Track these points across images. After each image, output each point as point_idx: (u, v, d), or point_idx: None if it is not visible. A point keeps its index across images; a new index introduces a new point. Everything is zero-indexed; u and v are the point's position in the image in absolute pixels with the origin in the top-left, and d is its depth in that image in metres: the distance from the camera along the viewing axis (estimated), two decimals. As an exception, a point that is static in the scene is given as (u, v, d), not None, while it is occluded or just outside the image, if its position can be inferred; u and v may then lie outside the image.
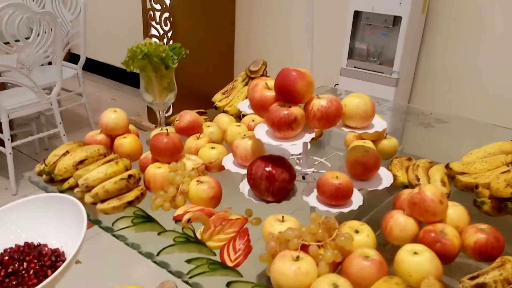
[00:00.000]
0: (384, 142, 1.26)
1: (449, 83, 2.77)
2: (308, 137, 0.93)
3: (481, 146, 1.22)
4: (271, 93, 0.96)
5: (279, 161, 0.95)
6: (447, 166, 1.15)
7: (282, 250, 0.83)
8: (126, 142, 1.21)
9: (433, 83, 2.83)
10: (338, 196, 0.93)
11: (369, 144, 1.23)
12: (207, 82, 3.44)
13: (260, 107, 0.97)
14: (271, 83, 0.98)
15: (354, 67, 2.71)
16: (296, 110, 0.91)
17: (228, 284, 0.81)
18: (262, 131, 0.97)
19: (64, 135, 3.01)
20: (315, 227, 0.82)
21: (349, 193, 0.94)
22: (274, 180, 0.92)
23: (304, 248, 0.81)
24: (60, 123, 2.97)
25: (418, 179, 1.12)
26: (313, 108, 0.93)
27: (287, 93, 0.92)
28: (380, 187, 1.02)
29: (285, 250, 0.82)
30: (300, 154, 1.17)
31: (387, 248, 0.92)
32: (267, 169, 0.93)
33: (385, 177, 1.06)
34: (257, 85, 0.98)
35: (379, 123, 1.00)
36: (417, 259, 0.80)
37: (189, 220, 0.88)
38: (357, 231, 0.87)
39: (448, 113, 1.90)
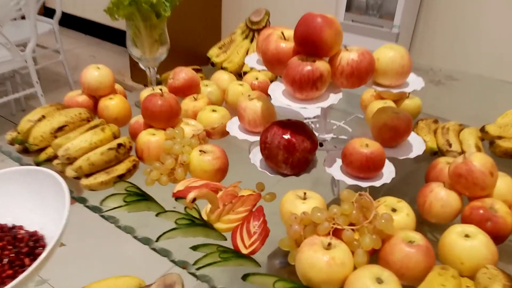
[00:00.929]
0: (407, 103, 1.12)
1: (450, 38, 2.61)
2: (334, 98, 0.78)
3: (497, 104, 1.09)
4: (288, 45, 0.80)
5: (299, 127, 0.79)
6: (482, 130, 1.01)
7: (308, 235, 0.69)
8: (112, 104, 1.04)
9: (433, 39, 2.67)
10: (369, 168, 0.79)
11: (390, 104, 1.08)
12: (196, 36, 3.22)
13: (275, 62, 0.80)
14: (288, 32, 0.81)
15: (352, 20, 2.52)
16: (322, 65, 0.75)
17: (245, 277, 0.67)
18: (277, 92, 0.81)
19: (41, 95, 2.79)
20: (348, 207, 0.68)
21: (381, 164, 0.80)
22: (294, 150, 0.77)
23: (336, 233, 0.67)
24: (37, 82, 2.75)
25: (450, 145, 0.98)
26: (341, 62, 0.77)
27: (311, 44, 0.75)
28: (412, 155, 0.88)
29: (313, 235, 0.68)
30: (315, 117, 1.01)
31: (423, 227, 0.79)
32: (285, 137, 0.77)
33: (415, 143, 0.92)
34: (271, 35, 0.81)
35: (415, 81, 0.84)
36: (470, 244, 0.67)
37: (194, 200, 0.73)
38: (393, 210, 0.74)
39: (454, 68, 1.76)
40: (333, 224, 0.67)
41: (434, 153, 1.00)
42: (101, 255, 1.76)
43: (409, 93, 1.12)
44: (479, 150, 0.97)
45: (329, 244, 0.66)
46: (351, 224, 0.68)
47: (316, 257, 0.63)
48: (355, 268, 0.65)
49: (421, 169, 0.99)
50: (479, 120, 1.09)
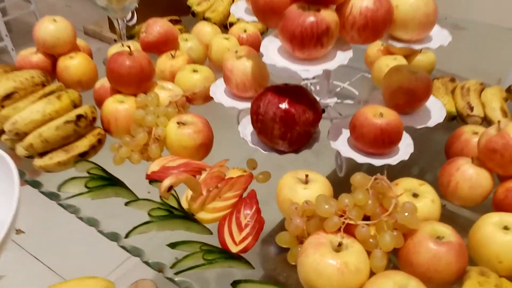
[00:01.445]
0: (420, 58, 0.96)
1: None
2: (343, 57, 0.63)
3: None
4: (285, -11, 0.63)
5: (299, 94, 0.64)
6: (509, 90, 0.87)
7: (313, 230, 0.56)
8: (74, 65, 0.87)
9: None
10: (383, 142, 0.65)
11: (401, 60, 0.93)
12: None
13: (268, 11, 0.64)
14: (284, -27, 0.64)
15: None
16: (328, 16, 0.59)
17: (235, 284, 0.54)
18: (271, 49, 0.65)
19: (12, 49, 2.58)
20: (363, 196, 0.55)
21: (398, 137, 0.66)
22: (294, 123, 0.62)
23: (347, 229, 0.54)
24: (7, 35, 2.53)
25: (471, 108, 0.84)
26: (352, 12, 0.61)
27: (314, -13, 0.59)
28: (431, 124, 0.74)
29: (319, 231, 0.55)
30: (314, 78, 0.86)
31: (444, 211, 0.66)
32: (282, 106, 0.62)
33: (433, 108, 0.78)
34: (263, -23, 0.64)
35: (440, 34, 0.69)
36: (510, 239, 0.55)
37: (170, 188, 0.59)
38: (415, 195, 0.61)
39: (460, 16, 1.59)
40: (345, 218, 0.54)
41: (452, 118, 0.86)
42: (61, 251, 1.51)
43: (421, 47, 0.96)
44: (505, 115, 0.83)
45: (340, 244, 0.52)
46: (365, 218, 0.55)
47: (324, 262, 0.50)
48: (371, 273, 0.52)
49: (438, 139, 0.85)
50: (498, 77, 0.95)
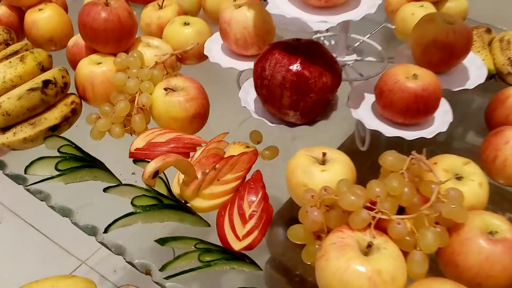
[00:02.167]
0: (450, 5, 0.82)
1: None
2: (370, 3, 0.49)
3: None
4: None
5: (314, 52, 0.52)
6: (558, 43, 0.73)
7: (334, 224, 0.45)
8: (43, 18, 0.74)
9: None
10: (418, 111, 0.53)
11: (429, 8, 0.78)
12: None
13: None
14: None
15: None
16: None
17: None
18: (279, -5, 0.52)
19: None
20: (398, 184, 0.43)
21: (436, 104, 0.54)
22: (308, 90, 0.50)
23: (379, 224, 0.43)
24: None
25: (513, 65, 0.71)
26: None
27: None
28: (470, 85, 0.62)
29: (342, 227, 0.44)
30: (328, 30, 0.73)
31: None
32: (294, 68, 0.50)
33: (471, 66, 0.65)
34: None
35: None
36: None
37: (156, 173, 0.47)
38: (458, 177, 0.49)
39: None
40: (376, 212, 0.42)
41: (490, 77, 0.73)
42: (34, 244, 1.36)
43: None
44: (553, 71, 0.70)
45: (370, 245, 0.42)
46: (401, 211, 0.44)
47: (352, 270, 0.40)
48: (408, 281, 0.42)
49: (474, 103, 0.73)
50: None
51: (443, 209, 0.43)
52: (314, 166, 0.49)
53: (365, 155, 0.63)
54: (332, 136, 0.63)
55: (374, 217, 0.42)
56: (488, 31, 0.80)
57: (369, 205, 0.43)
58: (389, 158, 0.45)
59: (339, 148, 0.53)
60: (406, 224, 0.43)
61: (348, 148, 0.65)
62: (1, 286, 1.17)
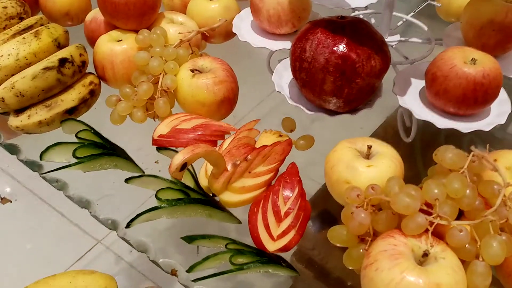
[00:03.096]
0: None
1: None
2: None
3: None
4: None
5: (361, 31, 0.46)
6: None
7: (383, 227, 0.40)
8: (59, -8, 0.68)
9: None
10: (476, 100, 0.47)
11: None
12: None
13: None
14: None
15: None
16: None
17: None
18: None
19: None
20: (460, 185, 0.38)
21: (496, 93, 0.48)
22: (355, 74, 0.45)
23: (436, 230, 0.38)
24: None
25: None
26: None
27: None
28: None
29: (393, 232, 0.39)
30: (367, 7, 0.66)
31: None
32: (339, 49, 0.44)
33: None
34: None
35: None
36: None
37: (184, 166, 0.43)
38: (519, 174, 0.44)
39: None
40: (434, 217, 0.37)
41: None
42: (49, 223, 1.30)
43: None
44: None
45: (426, 254, 0.37)
46: (461, 216, 0.39)
47: (407, 282, 0.35)
48: (469, 294, 0.37)
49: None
50: None
51: (511, 215, 0.38)
52: (359, 160, 0.44)
53: (400, 147, 0.58)
54: (372, 123, 0.58)
55: (431, 223, 0.37)
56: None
57: (425, 208, 0.38)
58: (448, 155, 0.40)
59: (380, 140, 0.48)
60: (468, 231, 0.38)
61: (380, 137, 0.60)
62: (16, 266, 1.16)
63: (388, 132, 0.65)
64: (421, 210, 0.38)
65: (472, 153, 0.40)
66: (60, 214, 1.36)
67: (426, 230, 0.38)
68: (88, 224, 1.32)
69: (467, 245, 0.38)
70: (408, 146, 0.60)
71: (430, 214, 0.38)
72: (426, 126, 0.56)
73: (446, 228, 0.38)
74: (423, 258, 0.37)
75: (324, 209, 0.57)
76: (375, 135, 0.62)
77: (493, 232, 0.37)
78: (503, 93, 0.52)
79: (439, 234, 0.39)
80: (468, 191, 0.38)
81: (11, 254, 1.20)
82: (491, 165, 0.40)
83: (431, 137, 0.59)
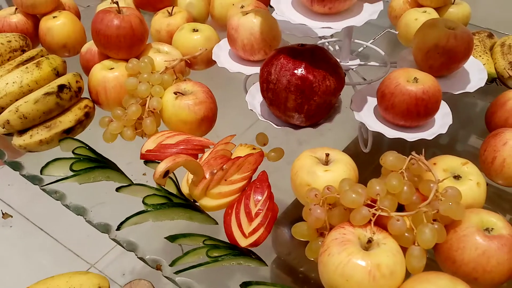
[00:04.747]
0: (452, 11, 0.84)
1: None
2: (372, 10, 0.52)
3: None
4: None
5: (318, 56, 0.54)
6: (558, 47, 0.75)
7: (336, 221, 0.47)
8: (57, 26, 0.76)
9: None
10: (419, 113, 0.55)
11: (431, 13, 0.80)
12: None
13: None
14: None
15: None
16: (355, -42, 0.48)
17: (244, 285, 0.46)
18: (284, 3, 0.54)
19: None
20: (398, 183, 0.45)
21: (436, 107, 0.56)
22: (312, 93, 0.52)
23: (378, 221, 0.45)
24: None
25: (514, 69, 0.73)
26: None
27: None
28: (471, 88, 0.63)
29: (344, 224, 0.46)
30: (332, 36, 0.75)
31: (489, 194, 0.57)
32: (298, 72, 0.52)
33: (472, 69, 0.67)
34: None
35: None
36: None
37: (166, 173, 0.50)
38: (457, 177, 0.51)
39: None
40: (376, 209, 0.44)
41: (491, 81, 0.75)
42: (44, 247, 1.37)
43: (454, -2, 0.84)
44: (554, 75, 0.72)
45: (370, 240, 0.44)
46: (400, 208, 0.46)
47: (352, 264, 0.42)
48: (406, 275, 0.44)
49: (475, 106, 0.74)
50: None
51: (441, 206, 0.45)
52: (318, 166, 0.52)
53: (369, 158, 0.65)
54: (336, 138, 0.65)
55: (374, 214, 0.44)
56: (490, 35, 0.82)
57: (369, 202, 0.45)
58: (389, 158, 0.47)
59: (343, 151, 0.55)
60: (405, 220, 0.44)
61: (353, 151, 0.67)
62: (12, 289, 1.20)
63: (358, 147, 0.72)
64: (367, 205, 0.45)
65: (410, 156, 0.48)
66: (54, 240, 1.41)
67: (370, 221, 0.44)
68: (81, 248, 1.37)
69: (406, 234, 0.45)
70: (372, 156, 0.67)
71: (373, 207, 0.45)
72: (387, 139, 0.63)
73: (388, 219, 0.45)
74: (368, 244, 0.44)
75: (299, 218, 0.64)
76: (347, 149, 0.69)
77: (426, 222, 0.44)
78: (445, 107, 0.59)
79: (383, 225, 0.45)
80: (405, 187, 0.45)
81: (6, 279, 1.24)
82: (426, 166, 0.47)
83: (391, 148, 0.66)
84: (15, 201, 1.47)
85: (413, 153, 0.48)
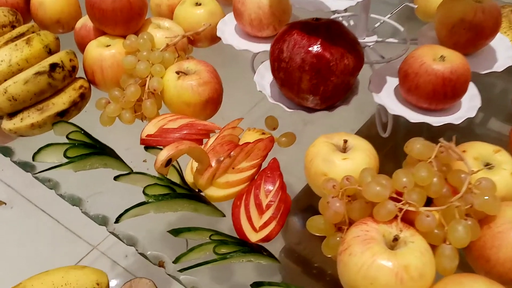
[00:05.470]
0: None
1: None
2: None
3: None
4: None
5: (335, 32, 0.49)
6: None
7: (357, 215, 0.42)
8: (50, 0, 0.70)
9: None
10: (446, 95, 0.50)
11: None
12: None
13: None
14: None
15: None
16: None
17: (255, 287, 0.42)
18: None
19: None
20: (427, 174, 0.40)
21: (465, 88, 0.51)
22: (329, 73, 0.47)
23: (406, 217, 0.40)
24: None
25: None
26: None
27: None
28: (499, 67, 0.58)
29: (366, 219, 0.41)
30: (346, 10, 0.69)
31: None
32: (314, 49, 0.47)
33: (499, 47, 0.61)
34: None
35: None
36: None
37: (169, 162, 0.45)
38: (489, 166, 0.46)
39: None
40: (403, 204, 0.40)
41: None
42: (45, 229, 1.33)
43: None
44: None
45: (396, 238, 0.39)
46: (429, 203, 0.41)
47: (377, 265, 0.37)
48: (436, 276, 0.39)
49: (497, 87, 0.69)
50: None
51: (476, 200, 0.40)
52: (335, 154, 0.47)
53: (383, 142, 0.60)
54: (351, 120, 0.61)
55: (401, 209, 0.40)
56: (515, 10, 0.76)
57: (395, 196, 0.41)
58: (416, 146, 0.43)
59: (356, 135, 0.50)
60: (435, 216, 0.40)
61: (365, 134, 0.62)
62: (12, 272, 1.17)
63: (371, 130, 0.67)
64: (392, 198, 0.41)
65: (439, 144, 0.43)
66: (55, 221, 1.38)
67: (396, 217, 0.40)
68: (83, 230, 1.34)
69: (435, 230, 0.40)
70: (387, 142, 0.62)
71: (399, 201, 0.40)
72: (405, 122, 0.58)
73: (416, 215, 0.40)
74: (394, 243, 0.39)
75: (310, 205, 0.60)
76: (359, 132, 0.65)
77: (458, 217, 0.40)
78: (473, 89, 0.54)
79: (409, 221, 0.41)
80: (435, 179, 0.41)
81: (7, 260, 1.22)
82: (457, 154, 0.42)
83: (409, 132, 0.61)
84: (15, 182, 1.44)
85: (442, 140, 0.43)
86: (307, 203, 0.58)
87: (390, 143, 0.62)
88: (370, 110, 0.65)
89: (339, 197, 0.43)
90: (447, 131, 0.53)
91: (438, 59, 0.50)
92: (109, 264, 1.22)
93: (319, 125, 0.59)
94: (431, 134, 0.50)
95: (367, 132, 0.65)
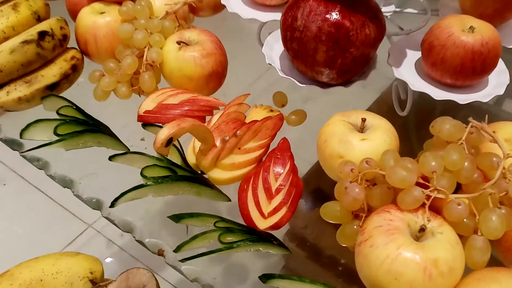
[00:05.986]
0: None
1: None
2: None
3: None
4: None
5: (354, -1, 0.43)
6: None
7: (378, 203, 0.38)
8: (39, -37, 0.65)
9: None
10: (474, 70, 0.45)
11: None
12: None
13: None
14: None
15: None
16: None
17: (266, 279, 0.38)
18: None
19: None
20: (459, 157, 0.36)
21: (495, 62, 0.46)
22: (349, 43, 0.43)
23: (433, 204, 0.36)
24: None
25: None
26: None
27: None
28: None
29: (389, 207, 0.37)
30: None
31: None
32: (331, 17, 0.42)
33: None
34: None
35: None
36: None
37: (169, 141, 0.41)
38: (521, 148, 0.42)
39: None
40: (431, 190, 0.36)
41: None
42: (39, 207, 1.27)
43: None
44: None
45: (423, 229, 0.35)
46: (458, 189, 0.37)
47: (403, 259, 0.34)
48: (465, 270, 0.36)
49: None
50: None
51: (510, 187, 0.36)
52: (352, 134, 0.43)
53: (392, 121, 0.56)
54: (367, 96, 0.56)
55: (428, 196, 0.36)
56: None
57: (421, 181, 0.37)
58: (446, 126, 0.38)
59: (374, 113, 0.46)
60: (467, 205, 0.36)
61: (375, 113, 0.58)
62: (5, 250, 1.14)
63: (382, 108, 0.63)
64: (418, 184, 0.37)
65: (470, 124, 0.39)
66: (50, 199, 1.34)
67: (423, 204, 0.36)
68: (78, 208, 1.30)
69: (465, 220, 0.36)
70: (402, 121, 0.58)
71: (427, 187, 0.36)
72: (421, 99, 0.54)
73: (444, 202, 0.36)
74: (420, 233, 0.35)
75: (317, 187, 0.56)
76: (369, 110, 0.60)
77: (492, 206, 0.36)
78: (501, 64, 0.50)
79: (436, 209, 0.37)
80: (466, 163, 0.37)
81: (0, 239, 1.19)
82: (491, 136, 0.38)
83: (425, 111, 0.57)
84: (7, 157, 1.40)
85: (471, 119, 0.39)
86: (315, 184, 0.54)
87: (398, 122, 0.58)
88: (379, 86, 0.60)
89: (358, 182, 0.39)
90: (456, 110, 0.49)
91: (467, 30, 0.45)
92: (104, 243, 1.19)
93: (321, 102, 0.55)
94: (448, 114, 0.46)
95: (377, 111, 0.61)
